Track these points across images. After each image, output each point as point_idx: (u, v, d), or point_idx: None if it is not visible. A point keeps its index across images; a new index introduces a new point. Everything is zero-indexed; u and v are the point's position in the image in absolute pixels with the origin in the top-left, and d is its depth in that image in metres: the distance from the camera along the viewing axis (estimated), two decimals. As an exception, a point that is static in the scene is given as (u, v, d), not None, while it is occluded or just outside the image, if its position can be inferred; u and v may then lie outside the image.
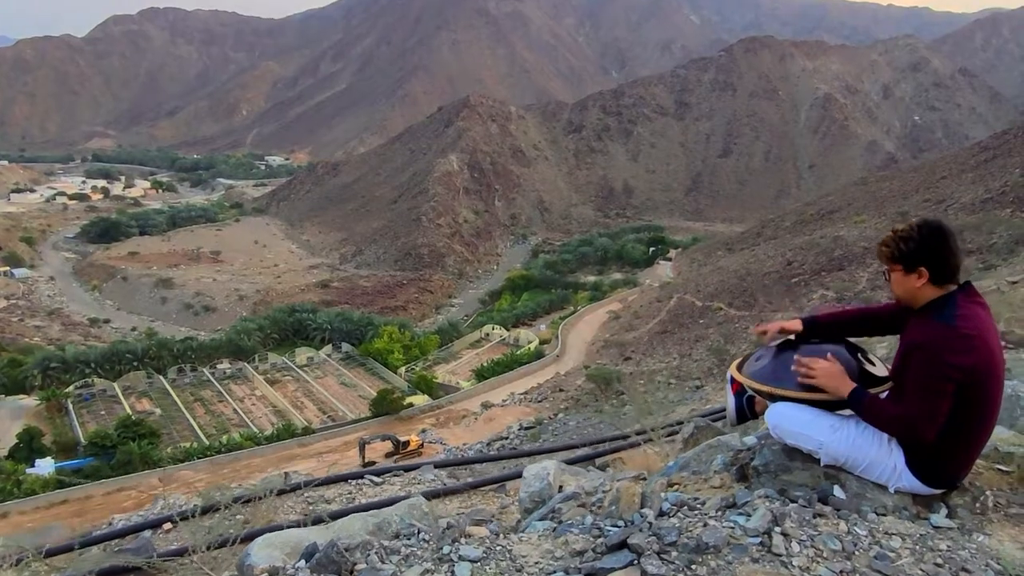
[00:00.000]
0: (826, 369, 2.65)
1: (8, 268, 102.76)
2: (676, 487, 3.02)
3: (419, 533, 2.71)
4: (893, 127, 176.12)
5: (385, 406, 51.34)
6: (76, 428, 50.37)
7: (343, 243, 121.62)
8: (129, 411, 52.62)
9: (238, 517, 4.15)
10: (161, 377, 60.44)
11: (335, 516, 4.15)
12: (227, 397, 57.74)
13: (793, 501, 2.61)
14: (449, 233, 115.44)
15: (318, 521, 3.68)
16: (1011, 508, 2.68)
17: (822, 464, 2.72)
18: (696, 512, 2.60)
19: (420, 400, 54.37)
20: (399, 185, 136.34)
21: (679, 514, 2.61)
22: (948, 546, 2.39)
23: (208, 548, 3.22)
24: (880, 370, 2.81)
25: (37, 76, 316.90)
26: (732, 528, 2.40)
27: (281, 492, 4.74)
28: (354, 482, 5.28)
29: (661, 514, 2.64)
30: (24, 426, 47.13)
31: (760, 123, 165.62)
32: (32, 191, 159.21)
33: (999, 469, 2.92)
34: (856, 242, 51.59)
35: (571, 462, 5.47)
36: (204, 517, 4.06)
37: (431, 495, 4.41)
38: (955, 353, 2.47)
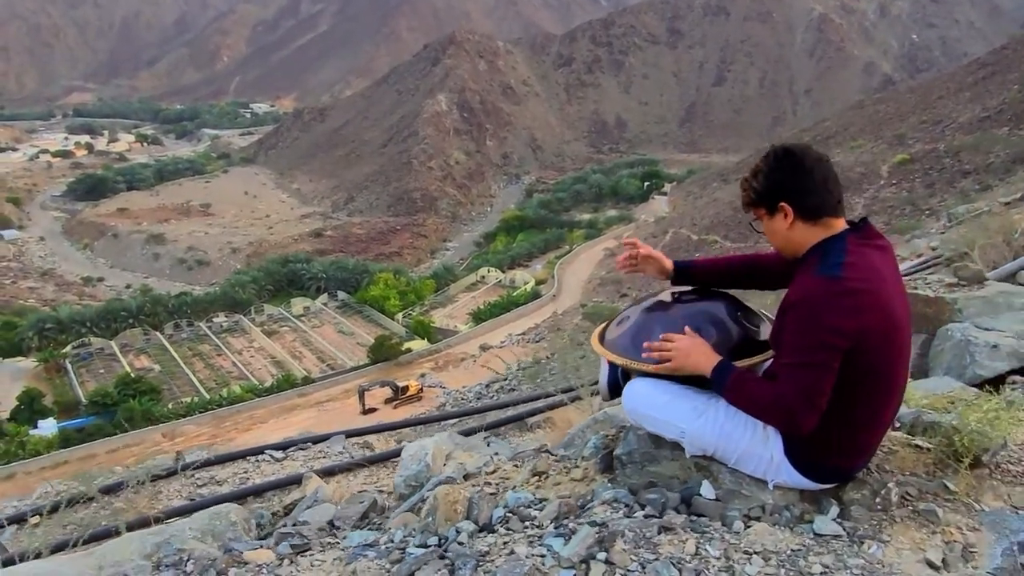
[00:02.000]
0: (683, 347, 2.15)
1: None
2: (537, 479, 2.54)
3: (186, 562, 2.30)
4: (890, 47, 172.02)
5: (383, 352, 51.45)
6: (76, 388, 50.54)
7: (334, 190, 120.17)
8: (128, 369, 52.70)
9: (116, 505, 3.75)
10: (158, 333, 60.37)
11: (219, 500, 3.75)
12: (225, 350, 57.81)
13: (644, 506, 2.14)
14: (441, 176, 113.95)
15: (144, 524, 3.28)
16: (920, 502, 2.09)
17: (688, 455, 2.24)
18: (527, 525, 2.14)
19: (418, 345, 54.48)
20: (388, 128, 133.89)
21: (503, 528, 2.14)
22: (827, 565, 1.85)
23: (53, 551, 2.84)
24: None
25: (8, 30, 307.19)
26: (543, 557, 1.92)
27: (157, 477, 4.24)
28: (253, 459, 4.66)
29: (486, 527, 2.18)
30: (24, 388, 47.23)
31: (754, 48, 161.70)
32: (14, 150, 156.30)
33: (916, 446, 2.32)
34: (852, 167, 50.83)
35: (499, 424, 4.95)
36: (77, 507, 3.65)
37: (324, 472, 3.93)
38: (838, 313, 1.92)
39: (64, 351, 55.67)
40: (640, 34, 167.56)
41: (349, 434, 5.10)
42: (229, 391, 48.49)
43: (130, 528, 3.16)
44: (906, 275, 8.49)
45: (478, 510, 2.26)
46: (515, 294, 62.80)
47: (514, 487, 2.54)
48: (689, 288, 2.45)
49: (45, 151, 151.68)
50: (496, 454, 3.11)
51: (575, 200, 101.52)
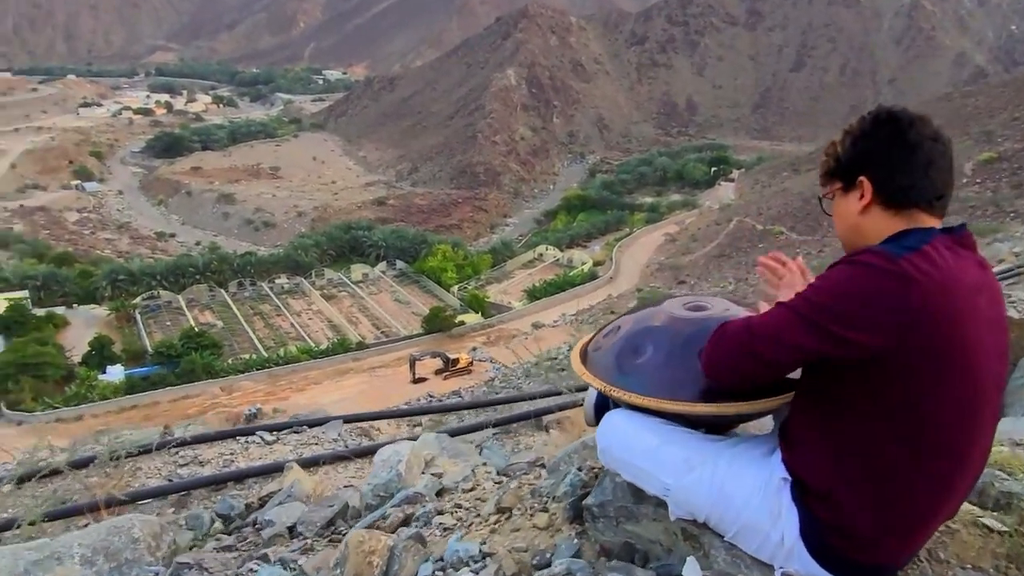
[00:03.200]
0: (795, 282, 1.71)
1: (79, 182, 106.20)
2: (498, 518, 2.10)
3: None
4: (986, 38, 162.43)
5: (437, 323, 51.90)
6: (144, 337, 52.62)
7: (399, 160, 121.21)
8: (192, 323, 54.58)
9: (92, 479, 3.55)
10: (222, 291, 62.24)
11: (191, 486, 3.50)
12: (285, 311, 59.25)
13: None
14: (505, 151, 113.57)
15: (96, 508, 2.97)
16: None
17: (672, 518, 1.75)
18: None
19: (472, 318, 54.73)
20: (455, 101, 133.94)
21: None
22: None
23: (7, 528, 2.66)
24: None
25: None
26: None
27: (143, 451, 3.91)
28: (242, 439, 4.31)
29: None
30: (95, 335, 49.40)
31: (838, 33, 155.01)
32: (99, 105, 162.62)
33: (985, 526, 1.70)
34: (935, 164, 48.35)
35: (510, 421, 4.48)
36: (50, 479, 3.50)
37: (308, 463, 3.58)
38: (867, 295, 1.39)
39: (134, 302, 57.95)
40: (718, 14, 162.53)
41: (348, 419, 4.76)
42: (286, 351, 49.74)
43: (88, 510, 3.00)
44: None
45: (399, 566, 1.85)
46: (571, 274, 62.32)
47: (463, 531, 2.12)
48: (703, 296, 1.99)
49: (127, 108, 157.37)
50: (484, 464, 2.75)
51: (639, 182, 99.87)
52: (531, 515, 2.04)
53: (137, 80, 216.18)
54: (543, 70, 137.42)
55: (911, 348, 1.39)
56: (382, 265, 70.02)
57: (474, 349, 44.28)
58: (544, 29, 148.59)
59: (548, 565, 1.78)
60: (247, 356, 49.61)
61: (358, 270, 68.08)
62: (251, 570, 2.00)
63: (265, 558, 1.97)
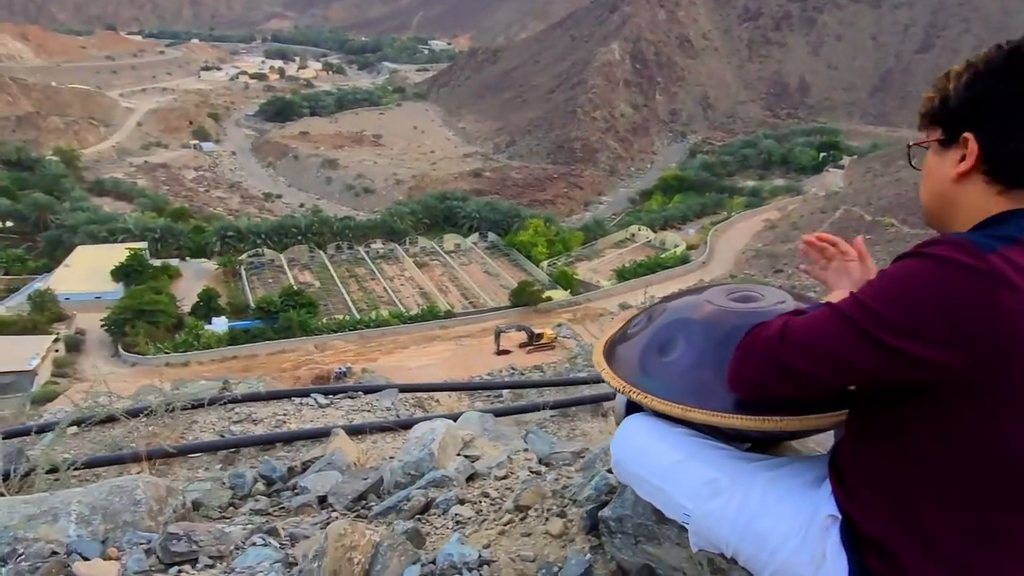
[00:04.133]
0: (854, 270, 1.44)
1: (197, 142, 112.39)
2: (511, 517, 1.92)
3: (15, 557, 1.87)
4: None
5: (524, 297, 52.22)
6: (247, 292, 55.52)
7: (497, 132, 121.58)
8: (292, 281, 57.13)
9: (149, 429, 3.59)
10: (321, 252, 64.77)
11: (241, 443, 3.54)
12: (378, 275, 61.10)
13: None
14: (604, 127, 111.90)
15: (156, 456, 2.94)
16: None
17: (693, 549, 1.46)
18: None
19: (559, 295, 54.76)
20: (558, 74, 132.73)
21: None
22: None
23: (55, 470, 2.69)
24: None
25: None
26: None
27: (197, 405, 3.91)
28: (297, 400, 4.30)
29: None
30: (204, 287, 52.50)
31: (973, 13, 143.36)
32: (219, 69, 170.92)
33: None
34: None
35: (568, 404, 4.27)
36: (107, 425, 3.60)
37: (354, 431, 3.54)
38: (956, 302, 1.03)
39: (240, 258, 61.18)
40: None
41: (404, 388, 4.72)
42: (377, 314, 51.36)
43: (131, 460, 3.07)
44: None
45: (382, 566, 1.64)
46: (663, 256, 61.21)
47: (473, 528, 1.93)
48: (757, 286, 1.72)
49: (244, 72, 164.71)
50: (526, 450, 2.64)
51: (741, 165, 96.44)
52: (546, 519, 1.87)
53: (254, 46, 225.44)
54: (648, 45, 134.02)
55: (999, 372, 1.04)
56: (474, 236, 70.88)
57: (559, 325, 44.29)
58: (652, 3, 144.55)
59: None
60: (340, 316, 51.56)
61: (450, 240, 69.21)
62: (238, 547, 1.91)
63: (274, 532, 1.99)
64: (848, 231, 47.42)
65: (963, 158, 1.18)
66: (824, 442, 1.66)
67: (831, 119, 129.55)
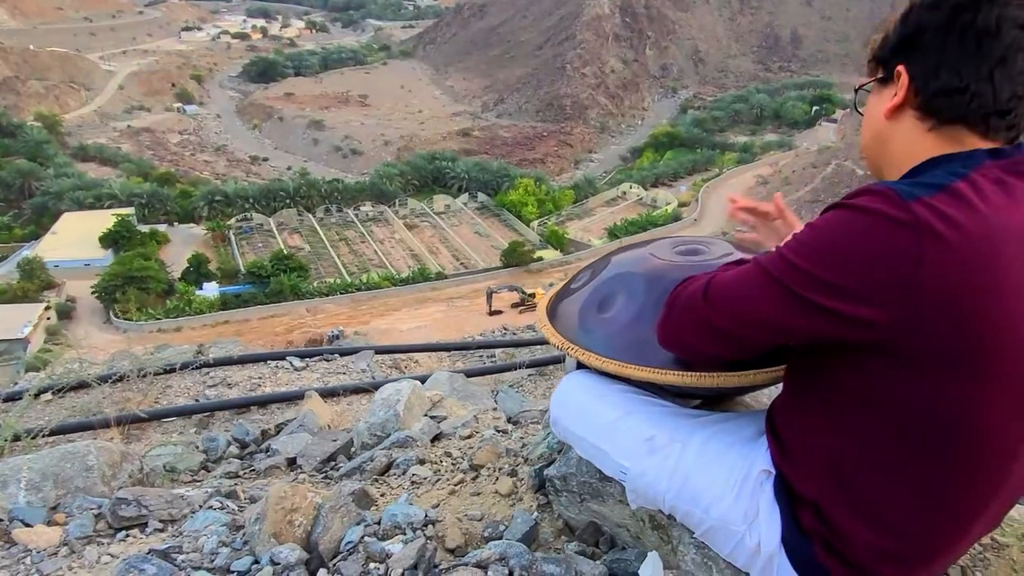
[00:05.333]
0: (768, 224, 1.43)
1: (181, 104, 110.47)
2: (464, 477, 1.91)
3: None
4: None
5: (515, 258, 52.19)
6: (237, 257, 55.27)
7: (486, 91, 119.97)
8: (282, 245, 56.85)
9: (124, 394, 3.56)
10: (310, 215, 64.34)
11: (217, 407, 3.50)
12: (369, 238, 60.84)
13: None
14: (594, 84, 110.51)
15: (123, 422, 2.91)
16: None
17: (632, 507, 1.45)
18: (366, 571, 1.48)
19: (550, 255, 54.74)
20: (545, 30, 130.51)
21: (342, 567, 1.48)
22: None
23: (18, 438, 2.67)
24: None
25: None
26: None
27: (169, 370, 3.86)
28: (272, 363, 4.23)
29: (324, 561, 1.53)
30: (193, 252, 52.19)
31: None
32: (200, 29, 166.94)
33: None
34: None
35: (544, 363, 4.18)
36: (82, 392, 3.58)
37: (327, 392, 3.53)
38: (880, 256, 0.98)
39: (229, 223, 60.72)
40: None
41: (380, 350, 4.66)
42: (368, 277, 51.30)
43: (99, 426, 3.04)
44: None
45: (323, 528, 1.59)
46: (655, 214, 61.11)
47: (427, 488, 1.92)
48: (704, 238, 1.67)
49: (226, 32, 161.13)
50: (494, 409, 2.59)
51: (732, 120, 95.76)
52: (497, 478, 1.85)
53: (235, 4, 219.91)
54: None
55: (924, 330, 0.99)
56: (464, 197, 70.49)
57: (551, 285, 44.26)
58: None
59: (500, 538, 1.58)
60: (332, 280, 51.46)
61: (440, 201, 68.82)
62: (194, 511, 1.89)
63: (232, 495, 1.98)
64: (840, 186, 47.46)
65: (896, 91, 1.15)
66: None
67: (824, 72, 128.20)
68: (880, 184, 1.04)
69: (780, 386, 1.43)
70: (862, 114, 1.26)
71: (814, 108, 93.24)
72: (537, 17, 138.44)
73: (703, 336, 1.20)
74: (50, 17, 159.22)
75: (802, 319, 1.06)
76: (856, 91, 1.29)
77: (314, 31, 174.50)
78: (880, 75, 1.20)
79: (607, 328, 1.45)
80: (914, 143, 1.13)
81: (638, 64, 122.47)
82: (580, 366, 1.55)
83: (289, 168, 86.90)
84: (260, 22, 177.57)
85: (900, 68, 1.14)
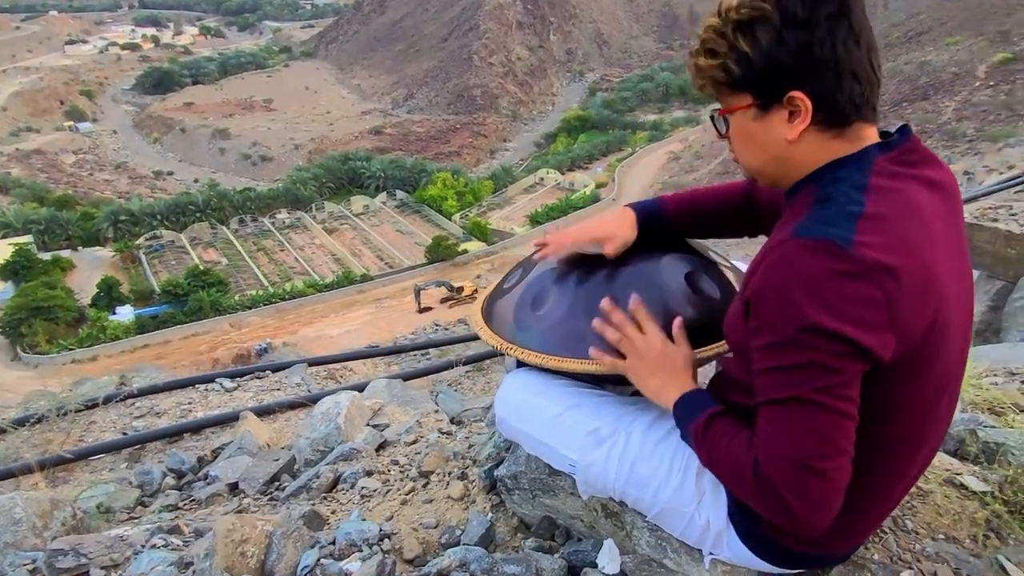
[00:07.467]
0: (646, 348, 1.31)
1: (73, 123, 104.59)
2: (415, 485, 1.88)
3: None
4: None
5: (440, 253, 51.90)
6: (150, 277, 52.92)
7: (394, 87, 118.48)
8: (197, 261, 54.73)
9: (44, 436, 3.34)
10: (224, 228, 62.14)
11: (149, 438, 3.34)
12: (288, 246, 59.30)
13: None
14: (502, 72, 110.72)
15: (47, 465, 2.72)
16: None
17: (583, 497, 1.48)
18: None
19: (475, 246, 54.68)
20: (448, 21, 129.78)
21: None
22: None
23: None
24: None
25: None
26: None
27: (91, 406, 3.66)
28: (202, 387, 4.07)
29: None
30: (102, 276, 49.66)
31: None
32: (85, 42, 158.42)
33: (961, 486, 1.43)
34: (945, 67, 47.08)
35: (478, 359, 4.15)
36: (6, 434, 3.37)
37: (263, 411, 3.40)
38: (848, 311, 0.99)
39: (137, 242, 58.00)
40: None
41: (312, 362, 4.54)
42: (292, 286, 50.03)
43: (20, 472, 2.87)
44: (987, 195, 7.07)
45: (277, 556, 1.56)
46: (574, 197, 61.80)
47: (378, 501, 1.88)
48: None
49: (114, 44, 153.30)
50: (436, 411, 2.56)
51: (640, 100, 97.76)
52: (447, 483, 1.83)
53: (120, 14, 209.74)
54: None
55: (908, 343, 1.05)
56: (382, 196, 69.53)
57: (478, 277, 44.42)
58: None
59: (458, 543, 1.56)
60: (253, 292, 49.96)
61: (358, 202, 67.67)
62: (137, 552, 1.78)
63: (176, 530, 1.89)
64: (746, 155, 49.17)
65: (791, 116, 1.10)
66: None
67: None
68: (806, 234, 1.02)
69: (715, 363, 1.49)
70: (726, 137, 1.22)
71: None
72: (439, 9, 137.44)
73: (816, 484, 1.04)
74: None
75: (847, 375, 1.02)
76: (713, 118, 1.24)
77: (209, 37, 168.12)
78: (755, 102, 1.13)
79: (542, 324, 1.44)
80: (818, 152, 1.12)
81: (543, 50, 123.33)
82: (520, 364, 1.54)
83: (196, 180, 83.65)
84: (150, 31, 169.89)
85: (796, 94, 1.08)
